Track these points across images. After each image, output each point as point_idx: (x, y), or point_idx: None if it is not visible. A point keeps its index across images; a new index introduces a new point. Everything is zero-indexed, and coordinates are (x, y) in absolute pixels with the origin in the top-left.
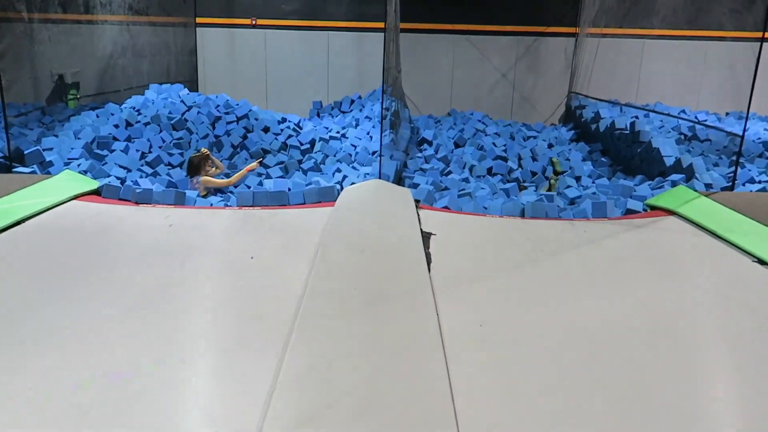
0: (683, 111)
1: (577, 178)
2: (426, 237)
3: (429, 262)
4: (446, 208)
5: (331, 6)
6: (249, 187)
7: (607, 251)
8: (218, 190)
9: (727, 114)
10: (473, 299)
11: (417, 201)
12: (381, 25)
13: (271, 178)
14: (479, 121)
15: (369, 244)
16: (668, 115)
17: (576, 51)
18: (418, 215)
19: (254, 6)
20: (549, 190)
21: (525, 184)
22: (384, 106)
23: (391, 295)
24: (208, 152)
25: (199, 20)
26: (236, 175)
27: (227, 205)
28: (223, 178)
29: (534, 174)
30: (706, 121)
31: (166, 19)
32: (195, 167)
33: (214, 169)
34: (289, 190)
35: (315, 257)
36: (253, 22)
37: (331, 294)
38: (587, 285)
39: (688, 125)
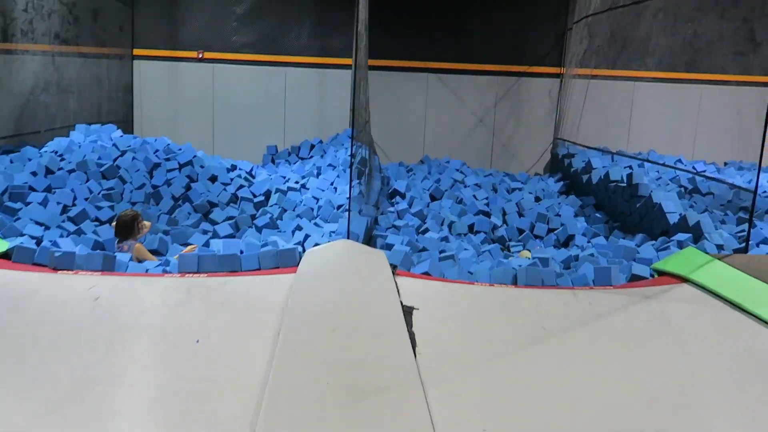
0: (679, 160)
1: (570, 237)
2: (407, 312)
3: (414, 344)
4: (426, 274)
5: (289, 38)
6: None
7: (619, 327)
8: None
9: (725, 164)
10: (471, 393)
11: (393, 266)
12: (345, 61)
13: (220, 237)
14: (457, 170)
15: (341, 321)
16: (665, 165)
17: (561, 93)
18: (396, 284)
19: (201, 38)
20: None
21: (511, 245)
22: (351, 152)
23: (372, 389)
24: (138, 213)
25: (136, 52)
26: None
27: (166, 271)
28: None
29: (521, 231)
30: (704, 171)
31: (98, 49)
32: (127, 229)
33: (143, 223)
34: (242, 252)
35: (276, 340)
36: (200, 56)
37: (298, 391)
38: (601, 369)
39: (687, 176)
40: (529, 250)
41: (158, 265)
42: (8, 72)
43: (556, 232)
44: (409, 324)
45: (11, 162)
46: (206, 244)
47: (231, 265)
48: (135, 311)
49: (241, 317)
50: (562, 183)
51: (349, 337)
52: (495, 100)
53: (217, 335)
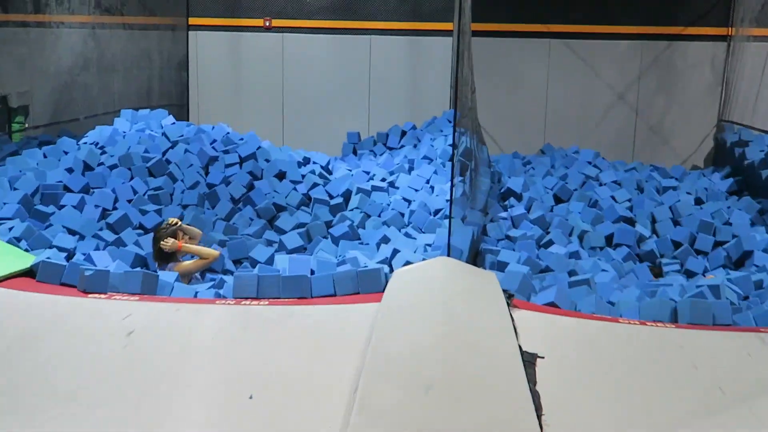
0: None
1: (746, 254)
2: (529, 362)
3: (539, 410)
4: (552, 305)
5: (374, 0)
6: (252, 267)
7: None
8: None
9: None
10: None
11: (509, 295)
12: (444, 26)
13: (287, 250)
14: (589, 163)
15: (439, 375)
16: None
17: (729, 61)
18: (512, 320)
19: (268, 2)
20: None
21: (663, 263)
22: (453, 141)
23: None
24: (179, 221)
25: (192, 21)
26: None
27: (219, 295)
28: (194, 259)
29: (677, 245)
30: None
31: (147, 19)
32: (165, 253)
33: (187, 238)
34: (313, 273)
35: (352, 399)
36: (267, 24)
37: None
38: None
39: None
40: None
41: (210, 287)
42: (42, 48)
43: (725, 246)
44: (531, 380)
45: (44, 156)
46: (270, 260)
47: (299, 289)
48: (175, 351)
49: (307, 362)
50: (731, 180)
51: (449, 400)
52: (639, 71)
53: (277, 388)
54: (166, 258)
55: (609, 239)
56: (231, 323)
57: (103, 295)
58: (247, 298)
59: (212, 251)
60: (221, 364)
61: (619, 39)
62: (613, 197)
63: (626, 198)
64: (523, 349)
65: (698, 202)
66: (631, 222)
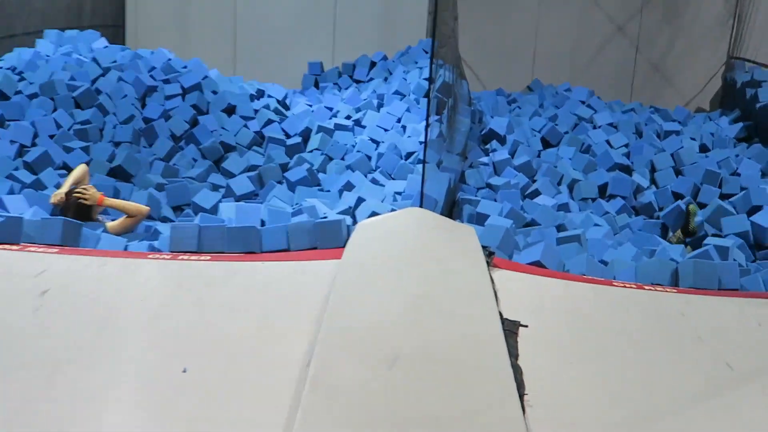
0: None
1: (755, 209)
2: (511, 331)
3: (521, 389)
4: (538, 264)
5: None
6: (195, 215)
7: None
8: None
9: None
10: None
11: (489, 252)
12: None
13: (235, 196)
14: (582, 102)
15: (405, 347)
16: None
17: None
18: (492, 282)
19: None
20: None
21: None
22: (430, 74)
23: None
24: (86, 168)
25: None
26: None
27: (153, 248)
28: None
29: (679, 197)
30: None
31: None
32: (82, 212)
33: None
34: (263, 224)
35: (304, 374)
36: None
37: None
38: None
39: None
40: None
41: (143, 239)
42: None
43: (732, 200)
44: (513, 353)
45: None
46: (214, 209)
47: (246, 243)
48: (97, 315)
49: (254, 330)
50: (741, 125)
51: (417, 377)
52: (641, 0)
53: (216, 361)
54: (83, 218)
55: (603, 189)
56: (165, 282)
57: (15, 247)
58: (185, 252)
59: (140, 207)
60: (151, 331)
61: None
62: (608, 142)
63: (623, 143)
64: (504, 316)
65: (703, 149)
66: (627, 170)
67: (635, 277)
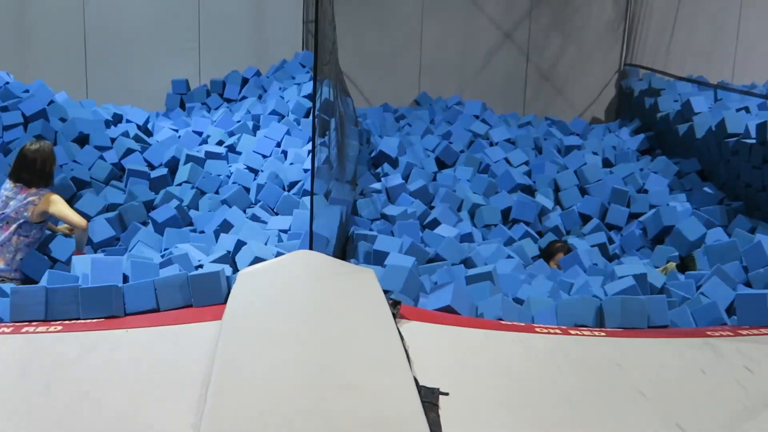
0: None
1: (667, 230)
2: (430, 404)
3: None
4: (449, 310)
5: None
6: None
7: None
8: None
9: None
10: None
11: (394, 301)
12: None
13: (92, 245)
14: (476, 117)
15: None
16: None
17: None
18: (402, 339)
19: None
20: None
21: (569, 240)
22: (314, 89)
23: None
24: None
25: None
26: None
27: None
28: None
29: (586, 219)
30: None
31: None
32: (33, 166)
33: None
34: (126, 279)
35: None
36: None
37: None
38: None
39: None
40: (674, 263)
41: None
42: None
43: (642, 219)
44: (435, 430)
45: None
46: (66, 263)
47: (106, 306)
48: None
49: (114, 425)
50: (642, 136)
51: None
52: (530, 4)
53: None
54: (34, 179)
55: (506, 214)
56: (4, 365)
57: None
58: (30, 322)
59: (79, 219)
60: None
61: None
62: (507, 160)
63: (522, 161)
64: (420, 383)
65: (606, 164)
66: (530, 191)
67: (556, 318)
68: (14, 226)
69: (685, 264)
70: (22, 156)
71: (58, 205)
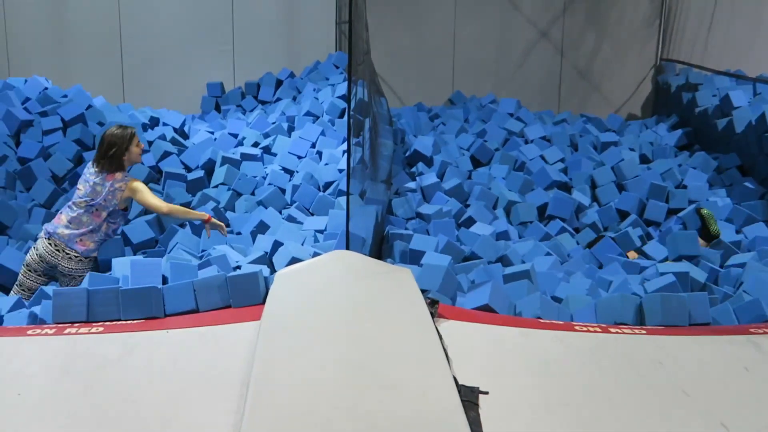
0: None
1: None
2: (470, 402)
3: None
4: (487, 309)
5: None
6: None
7: None
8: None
9: None
10: None
11: (432, 300)
12: None
13: (131, 246)
14: (510, 115)
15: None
16: None
17: None
18: (441, 338)
19: None
20: None
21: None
22: (349, 90)
23: None
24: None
25: None
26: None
27: (36, 318)
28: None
29: (624, 215)
30: None
31: None
32: (115, 152)
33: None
34: (165, 281)
35: None
36: None
37: None
38: None
39: None
40: (636, 251)
41: (23, 308)
42: None
43: (681, 214)
44: (475, 428)
45: None
46: (106, 265)
47: (146, 307)
48: None
49: (157, 426)
50: (680, 132)
51: None
52: (565, 1)
53: None
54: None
55: (542, 210)
56: (47, 366)
57: None
58: (72, 323)
59: (159, 204)
60: None
61: None
62: (542, 157)
63: (558, 158)
64: (460, 382)
65: (644, 160)
66: (566, 188)
67: (596, 317)
68: (105, 213)
69: (703, 219)
70: (100, 140)
71: (142, 194)
